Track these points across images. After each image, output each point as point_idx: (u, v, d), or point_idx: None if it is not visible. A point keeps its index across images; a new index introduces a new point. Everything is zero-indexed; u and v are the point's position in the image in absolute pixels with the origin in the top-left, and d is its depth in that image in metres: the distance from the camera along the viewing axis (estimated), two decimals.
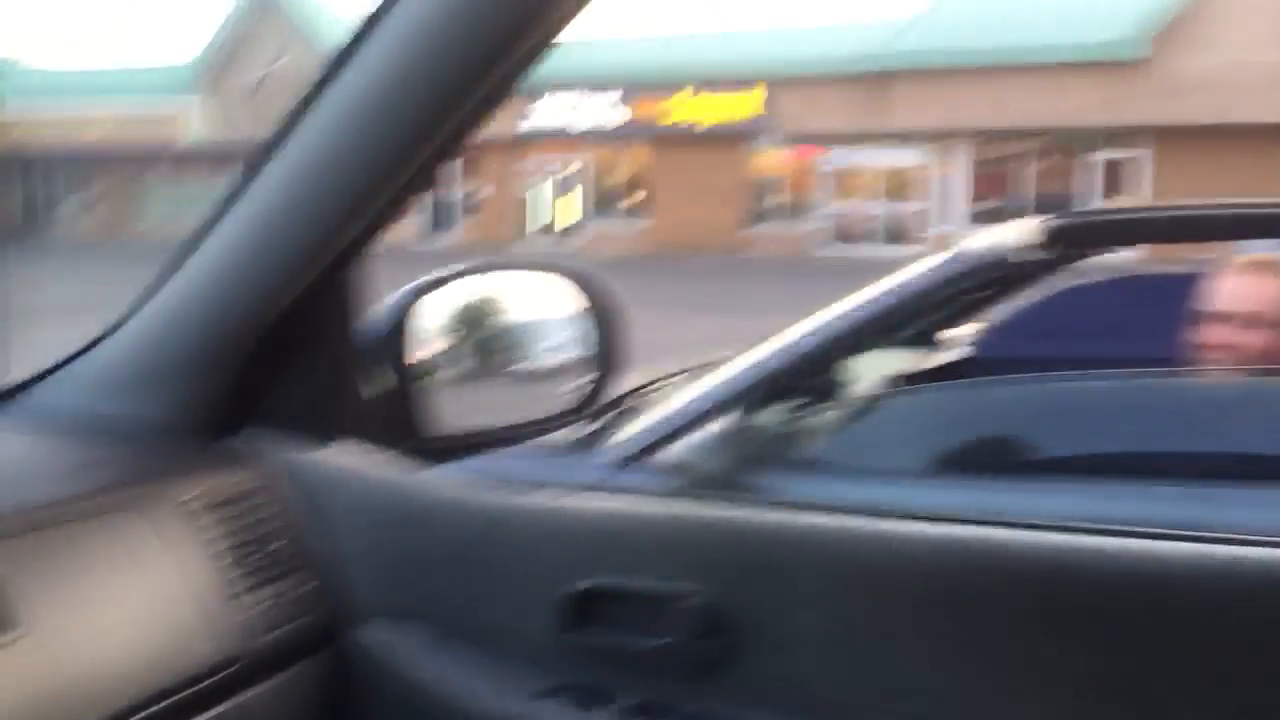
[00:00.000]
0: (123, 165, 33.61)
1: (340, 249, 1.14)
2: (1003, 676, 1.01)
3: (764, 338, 2.45)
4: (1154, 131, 23.70)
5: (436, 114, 1.06)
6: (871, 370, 2.58)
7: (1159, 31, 22.77)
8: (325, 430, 1.23)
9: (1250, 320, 2.33)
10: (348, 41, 1.06)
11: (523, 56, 1.05)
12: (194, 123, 32.24)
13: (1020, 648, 1.01)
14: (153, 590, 1.03)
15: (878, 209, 27.14)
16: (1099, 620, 0.98)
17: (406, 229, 29.46)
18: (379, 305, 1.31)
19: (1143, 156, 24.27)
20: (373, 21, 1.04)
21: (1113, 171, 24.76)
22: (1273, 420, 2.17)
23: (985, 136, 25.61)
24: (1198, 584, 0.95)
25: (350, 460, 1.23)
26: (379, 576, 1.20)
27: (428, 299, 1.32)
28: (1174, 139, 23.38)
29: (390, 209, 1.15)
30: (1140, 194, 23.83)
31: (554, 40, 1.07)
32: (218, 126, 31.09)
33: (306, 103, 1.09)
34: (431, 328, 1.33)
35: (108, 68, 35.37)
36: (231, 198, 1.15)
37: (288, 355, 1.22)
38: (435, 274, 1.36)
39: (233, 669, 1.06)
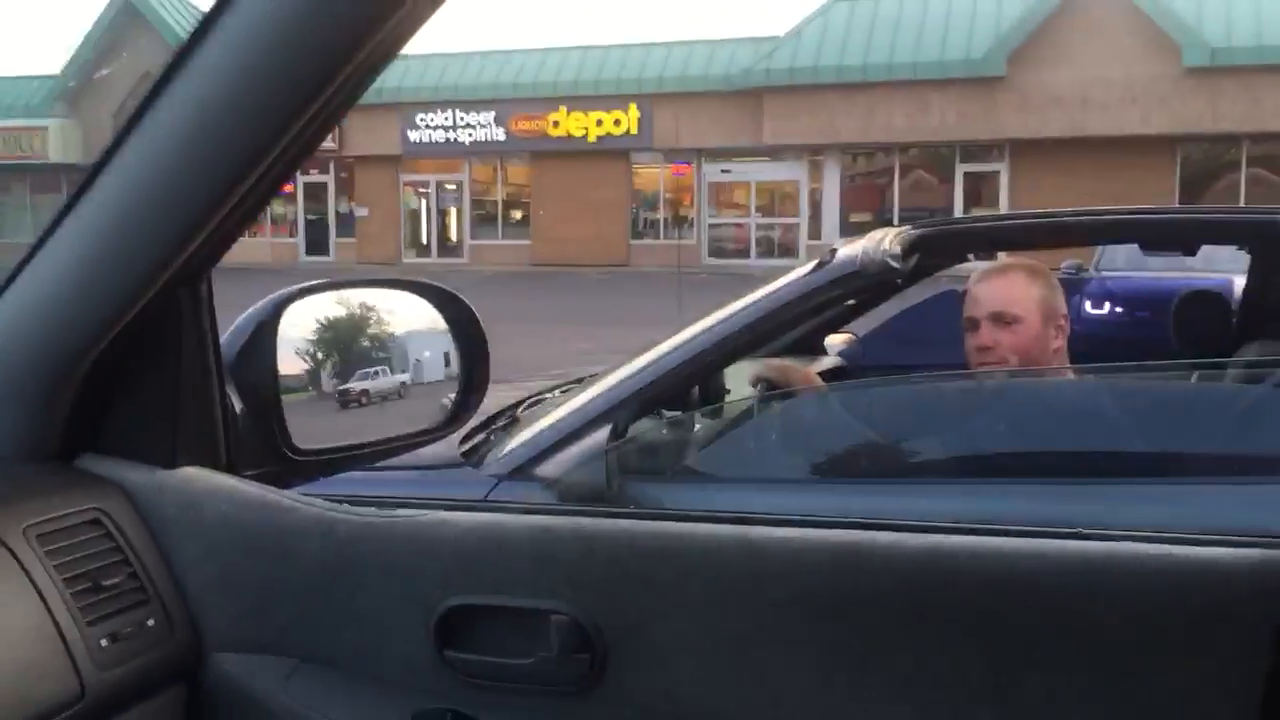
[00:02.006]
0: None
1: (181, 264, 1.07)
2: (872, 679, 1.02)
3: (640, 350, 2.46)
4: (1011, 145, 24.62)
5: (277, 123, 0.99)
6: (744, 380, 2.62)
7: (1014, 49, 23.69)
8: (172, 452, 1.17)
9: (996, 319, 2.44)
10: (183, 47, 0.99)
11: (365, 64, 0.98)
12: (55, 141, 30.93)
13: (889, 650, 1.02)
14: None
15: (753, 222, 27.57)
16: (964, 620, 1.00)
17: (282, 250, 28.85)
18: (237, 320, 1.27)
19: (1001, 169, 25.18)
20: (208, 25, 0.97)
21: (974, 184, 25.64)
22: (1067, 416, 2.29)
23: (854, 151, 26.27)
24: (1060, 580, 0.98)
25: (201, 483, 1.17)
26: (233, 604, 1.14)
27: (289, 313, 1.28)
28: (1029, 152, 24.32)
29: (234, 223, 1.09)
30: (999, 205, 24.71)
31: (398, 48, 1.03)
32: (79, 146, 29.92)
33: (141, 112, 1.02)
34: (294, 343, 1.29)
35: None
36: (63, 214, 1.07)
37: (129, 375, 1.16)
38: (297, 288, 1.32)
39: (76, 707, 1.00)
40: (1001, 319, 2.43)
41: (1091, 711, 0.98)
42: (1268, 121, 22.40)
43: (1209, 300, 3.44)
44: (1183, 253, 3.67)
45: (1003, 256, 3.09)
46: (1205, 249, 3.44)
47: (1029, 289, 2.46)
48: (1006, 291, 2.46)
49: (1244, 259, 3.33)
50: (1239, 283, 3.44)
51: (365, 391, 1.39)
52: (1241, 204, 21.15)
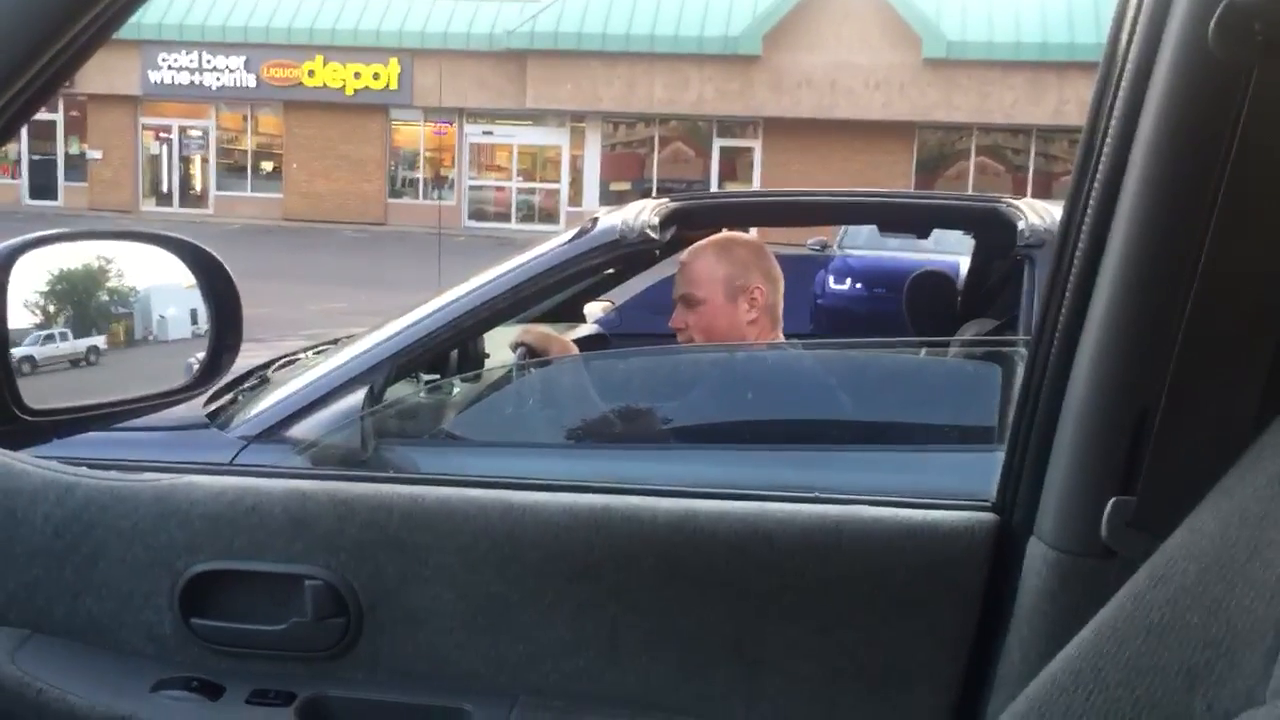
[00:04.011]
0: None
1: None
2: (625, 637, 1.06)
3: (397, 313, 2.43)
4: (765, 123, 25.53)
5: (17, 54, 0.92)
6: (502, 345, 2.64)
7: (770, 30, 24.53)
8: None
9: (683, 300, 2.49)
10: None
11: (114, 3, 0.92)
12: None
13: (640, 609, 1.06)
14: None
15: (514, 186, 27.46)
16: (710, 579, 1.05)
17: (2, 191, 26.49)
18: None
19: (755, 146, 26.09)
20: None
21: (729, 158, 26.46)
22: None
23: (616, 120, 26.56)
24: (798, 541, 1.05)
25: None
26: None
27: (21, 264, 1.19)
28: (782, 130, 25.30)
29: None
30: (752, 180, 25.62)
31: None
32: None
33: None
34: (26, 295, 1.22)
35: None
36: None
37: None
38: (31, 236, 1.23)
39: None
40: (686, 300, 2.48)
41: (822, 663, 1.05)
42: (994, 114, 24.17)
43: (937, 280, 3.71)
44: (916, 235, 3.92)
45: (754, 232, 3.22)
46: (937, 231, 3.70)
47: (712, 268, 2.48)
48: (690, 273, 2.50)
49: (970, 243, 3.60)
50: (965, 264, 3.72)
51: (108, 347, 1.31)
52: (970, 189, 22.81)
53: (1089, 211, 0.92)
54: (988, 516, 1.04)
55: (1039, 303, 2.41)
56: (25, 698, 1.07)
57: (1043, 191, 22.51)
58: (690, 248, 2.60)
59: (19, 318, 1.21)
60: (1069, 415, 0.94)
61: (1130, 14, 0.88)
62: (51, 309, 1.29)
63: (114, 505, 1.09)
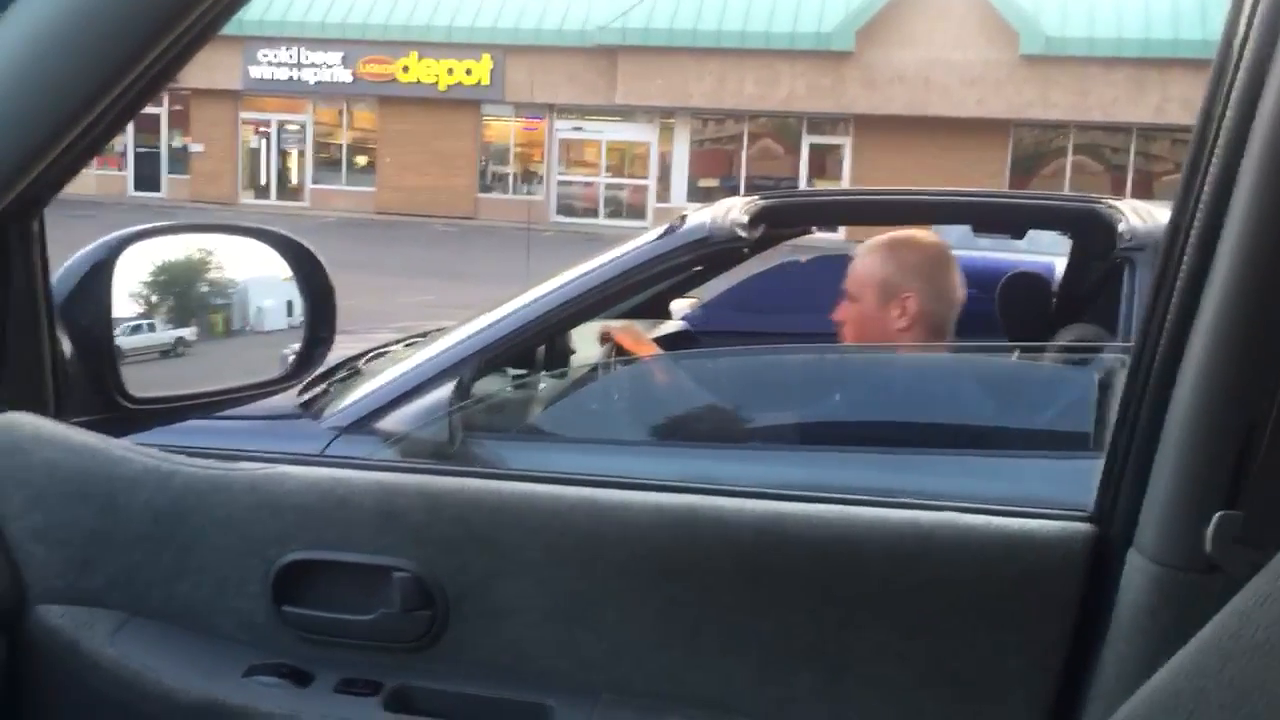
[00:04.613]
0: None
1: (11, 199, 1.01)
2: (706, 638, 1.05)
3: (486, 307, 2.45)
4: (856, 120, 25.27)
5: (128, 51, 0.93)
6: (590, 341, 2.65)
7: (863, 26, 24.26)
8: None
9: (845, 295, 2.51)
10: None
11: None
12: None
13: (723, 611, 1.05)
14: None
15: (602, 182, 27.58)
16: (795, 583, 1.04)
17: (109, 182, 27.41)
18: (71, 261, 1.22)
19: (845, 143, 25.84)
20: None
21: (819, 155, 26.24)
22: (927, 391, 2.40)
23: (705, 116, 26.51)
24: (887, 547, 1.03)
25: (26, 429, 1.12)
26: (58, 555, 1.11)
27: (126, 255, 1.23)
28: (873, 127, 25.01)
29: (72, 157, 1.02)
30: (842, 177, 25.38)
31: None
32: None
33: None
34: (131, 286, 1.25)
35: None
36: None
37: None
38: (136, 228, 1.27)
39: None
40: (847, 295, 2.50)
41: (909, 671, 1.03)
42: (1093, 112, 23.60)
43: (1032, 282, 3.62)
44: (1011, 236, 3.85)
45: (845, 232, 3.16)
46: (1033, 232, 3.61)
47: (873, 268, 2.47)
48: (855, 269, 2.50)
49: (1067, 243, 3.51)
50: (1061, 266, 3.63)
51: (207, 338, 1.35)
52: (1066, 189, 22.30)
53: (1199, 213, 0.89)
54: (1085, 527, 1.02)
55: (1143, 307, 2.35)
56: (122, 679, 1.09)
57: (1143, 192, 21.95)
58: (867, 241, 2.57)
59: (123, 309, 1.25)
60: (1173, 425, 0.91)
61: (1248, 5, 0.85)
62: (154, 299, 1.33)
63: (211, 493, 1.11)
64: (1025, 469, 2.17)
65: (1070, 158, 25.13)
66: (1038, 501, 1.09)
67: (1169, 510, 0.92)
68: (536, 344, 2.45)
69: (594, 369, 2.51)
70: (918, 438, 2.29)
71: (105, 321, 1.21)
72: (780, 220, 2.70)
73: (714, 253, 2.43)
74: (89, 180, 27.03)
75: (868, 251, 2.52)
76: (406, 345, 2.70)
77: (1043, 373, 2.53)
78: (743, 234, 2.38)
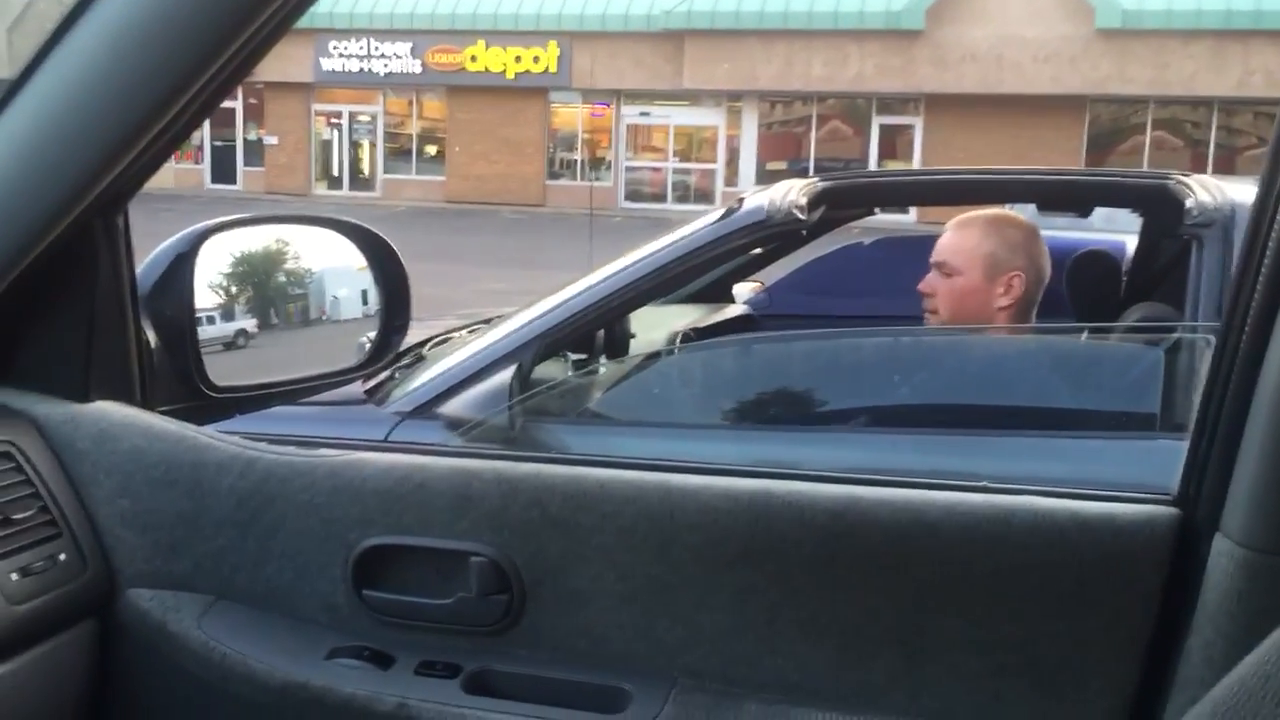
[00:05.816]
0: None
1: (97, 194, 1.03)
2: (784, 623, 1.05)
3: (548, 292, 2.48)
4: (926, 99, 24.87)
5: (205, 48, 0.94)
6: (655, 325, 2.67)
7: (933, 4, 23.84)
8: (85, 386, 1.15)
9: (939, 267, 2.47)
10: None
11: None
12: None
13: (800, 595, 1.05)
14: None
15: (670, 167, 27.51)
16: (872, 567, 1.03)
17: (186, 176, 27.99)
18: (153, 253, 1.26)
19: (916, 123, 25.45)
20: None
21: (889, 136, 25.87)
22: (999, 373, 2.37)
23: (773, 99, 26.29)
24: (965, 531, 1.01)
25: (114, 417, 1.15)
26: (147, 539, 1.14)
27: (207, 247, 1.27)
28: (944, 107, 24.60)
29: (154, 153, 1.05)
30: (913, 158, 25.01)
31: None
32: None
33: (59, 34, 0.95)
34: (211, 277, 1.29)
35: None
36: None
37: (41, 307, 1.13)
38: (216, 221, 1.30)
39: None
40: (943, 268, 2.46)
41: (988, 657, 1.02)
42: (1172, 86, 22.95)
43: (1101, 260, 3.56)
44: (1077, 214, 3.79)
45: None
46: (1104, 210, 3.55)
47: (979, 242, 2.43)
48: (954, 241, 2.47)
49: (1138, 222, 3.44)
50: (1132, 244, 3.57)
51: (286, 327, 1.39)
52: (1145, 166, 21.72)
53: None
54: (1169, 510, 1.00)
55: (1209, 285, 2.31)
56: (210, 660, 1.12)
57: (1225, 167, 21.32)
58: (958, 217, 2.55)
59: (204, 300, 1.30)
60: (1261, 406, 0.89)
61: None
62: (233, 290, 1.38)
63: (292, 479, 1.13)
64: (1100, 450, 2.14)
65: (1149, 134, 24.47)
66: (1122, 486, 1.07)
67: (1256, 493, 0.90)
68: (596, 328, 2.46)
69: (655, 352, 2.51)
70: (980, 419, 2.28)
71: (188, 312, 1.25)
72: (839, 202, 2.69)
73: (772, 235, 2.43)
74: (168, 174, 27.57)
75: (965, 225, 2.48)
76: (470, 331, 2.74)
77: (1110, 352, 2.49)
78: (800, 216, 2.37)
